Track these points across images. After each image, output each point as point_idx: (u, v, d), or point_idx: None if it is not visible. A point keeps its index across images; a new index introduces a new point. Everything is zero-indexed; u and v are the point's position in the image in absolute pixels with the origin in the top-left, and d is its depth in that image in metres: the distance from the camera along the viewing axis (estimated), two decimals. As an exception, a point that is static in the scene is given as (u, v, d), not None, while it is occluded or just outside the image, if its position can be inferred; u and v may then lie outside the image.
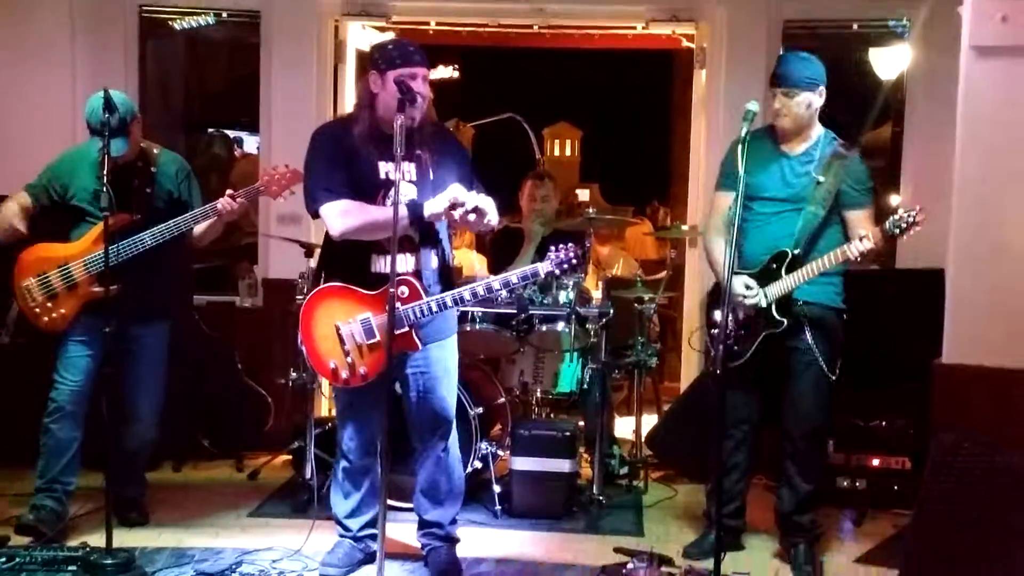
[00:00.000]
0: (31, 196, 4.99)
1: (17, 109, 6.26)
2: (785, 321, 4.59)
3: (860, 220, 4.64)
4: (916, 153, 6.47)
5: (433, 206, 4.27)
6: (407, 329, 4.24)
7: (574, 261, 4.29)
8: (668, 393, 7.39)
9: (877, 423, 5.70)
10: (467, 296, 4.31)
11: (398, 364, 4.33)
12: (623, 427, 6.88)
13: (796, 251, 4.60)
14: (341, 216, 4.29)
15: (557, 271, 4.32)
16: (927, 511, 3.38)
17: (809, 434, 4.75)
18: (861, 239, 4.41)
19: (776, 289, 4.59)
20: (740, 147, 4.24)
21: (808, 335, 4.63)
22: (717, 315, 4.72)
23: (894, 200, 6.62)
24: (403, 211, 4.14)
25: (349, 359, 4.34)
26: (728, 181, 4.80)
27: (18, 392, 5.54)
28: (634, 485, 6.01)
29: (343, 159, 4.35)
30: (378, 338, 4.31)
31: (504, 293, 4.52)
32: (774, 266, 4.61)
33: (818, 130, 4.75)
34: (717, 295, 4.84)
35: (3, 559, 4.41)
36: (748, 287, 4.61)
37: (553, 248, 4.32)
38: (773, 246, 4.63)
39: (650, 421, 6.56)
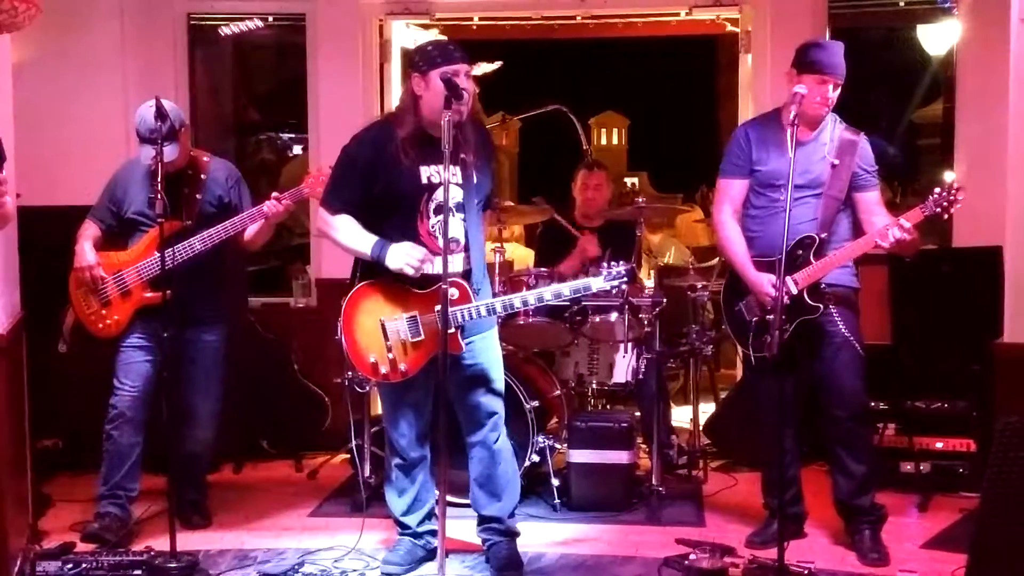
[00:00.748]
0: (97, 221, 5.06)
1: (71, 120, 6.33)
2: (820, 307, 4.57)
3: (872, 202, 4.65)
4: (969, 129, 6.37)
5: (395, 261, 4.27)
6: (453, 331, 4.24)
7: (626, 280, 4.40)
8: (725, 380, 7.35)
9: (939, 405, 5.63)
10: (517, 304, 4.38)
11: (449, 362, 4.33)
12: (680, 416, 6.85)
13: (823, 236, 4.58)
14: (325, 226, 4.51)
15: (609, 287, 4.40)
16: (994, 494, 3.34)
17: (853, 415, 4.71)
18: (900, 222, 4.38)
19: (805, 275, 4.56)
20: (789, 131, 4.21)
21: (836, 317, 4.63)
22: (743, 306, 4.74)
23: (948, 177, 6.53)
24: (367, 248, 4.30)
25: (391, 355, 4.35)
26: (734, 167, 4.77)
27: (80, 400, 5.63)
28: (693, 475, 5.98)
29: (375, 167, 4.36)
30: (423, 337, 4.33)
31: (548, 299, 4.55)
32: (800, 252, 4.57)
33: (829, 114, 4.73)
34: (733, 286, 4.82)
35: (70, 565, 4.48)
36: (774, 285, 4.56)
37: (606, 264, 4.41)
38: (795, 233, 4.55)
39: (707, 409, 6.53)
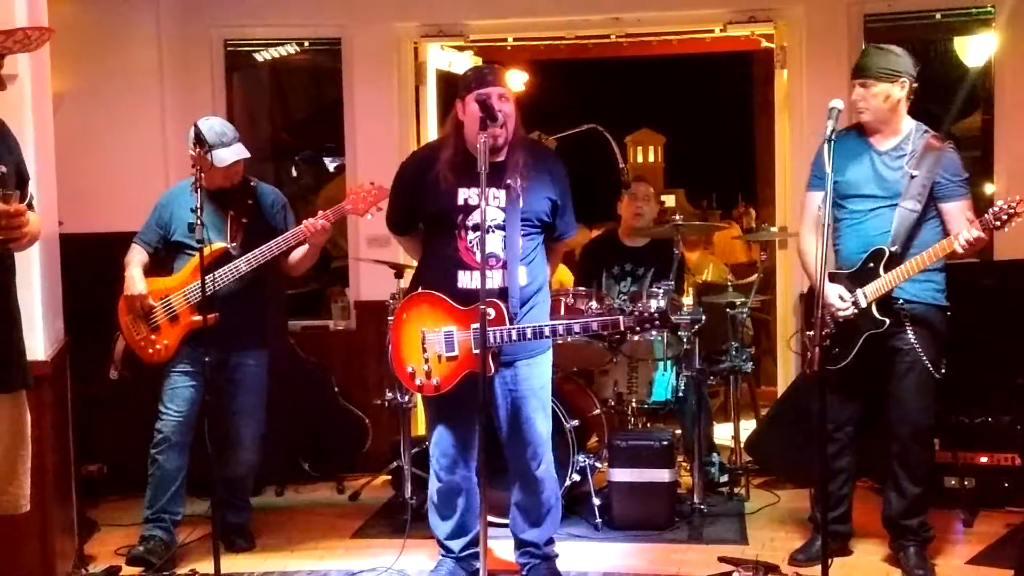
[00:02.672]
0: (145, 246, 5.11)
1: (110, 148, 6.40)
2: (887, 321, 4.50)
3: (958, 212, 4.51)
4: (1009, 141, 6.32)
5: None
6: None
7: (657, 324, 4.45)
8: (765, 398, 7.31)
9: (983, 420, 5.57)
10: (547, 332, 4.38)
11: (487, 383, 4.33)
12: (721, 433, 6.82)
13: (893, 248, 4.51)
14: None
15: (637, 328, 4.50)
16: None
17: (915, 435, 4.65)
18: (964, 231, 4.32)
19: (874, 288, 4.51)
20: (827, 146, 4.18)
21: (911, 334, 4.54)
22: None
23: (988, 189, 6.48)
24: None
25: (427, 367, 4.39)
26: (817, 180, 4.74)
27: (127, 425, 5.68)
28: (736, 492, 5.95)
29: (418, 189, 4.49)
30: (456, 353, 4.36)
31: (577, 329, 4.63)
32: (871, 265, 4.53)
33: (908, 124, 4.66)
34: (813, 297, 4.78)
35: (116, 589, 4.53)
36: (842, 298, 4.54)
37: (640, 306, 4.59)
38: (869, 244, 4.55)
39: (748, 427, 6.49)
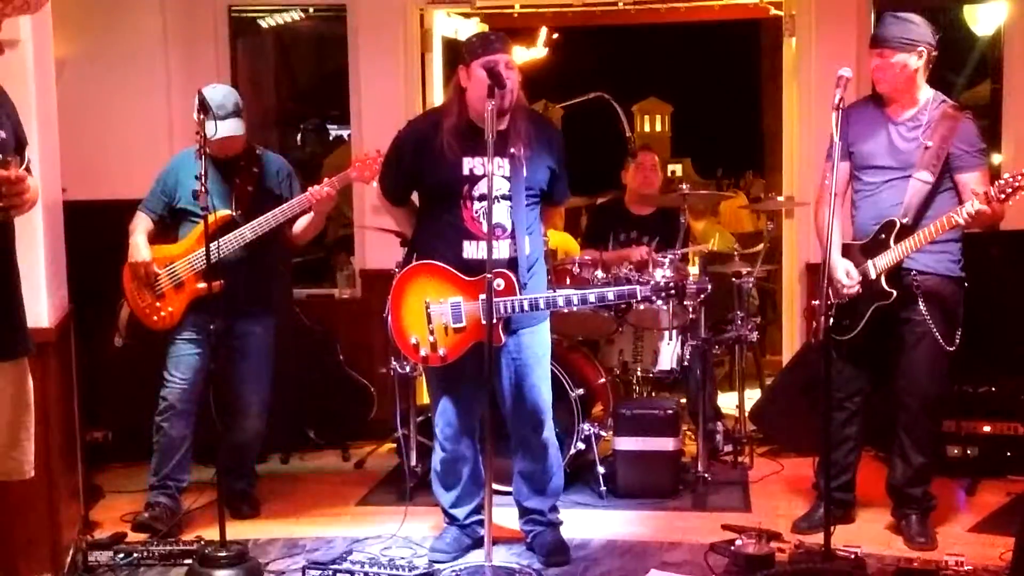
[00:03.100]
0: (150, 213, 5.10)
1: (114, 115, 6.38)
2: (895, 292, 4.49)
3: (974, 183, 4.43)
4: (1016, 110, 6.29)
5: None
6: (495, 321, 4.24)
7: (672, 294, 4.47)
8: (770, 367, 7.31)
9: (986, 389, 5.58)
10: (560, 302, 4.39)
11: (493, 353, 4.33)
12: (726, 402, 6.82)
13: (905, 219, 4.48)
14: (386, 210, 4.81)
15: (654, 297, 4.50)
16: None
17: (924, 406, 4.65)
18: (967, 203, 4.28)
19: (885, 260, 4.49)
20: (834, 114, 4.16)
21: (922, 306, 4.50)
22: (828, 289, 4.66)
23: (996, 159, 6.45)
24: None
25: (432, 338, 4.37)
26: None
27: (129, 392, 5.69)
28: (739, 461, 5.96)
29: (419, 159, 4.44)
30: (464, 324, 4.35)
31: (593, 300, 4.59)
32: (882, 236, 4.51)
33: (926, 93, 4.60)
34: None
35: (121, 555, 4.55)
36: (848, 275, 4.52)
37: (658, 275, 4.59)
38: (882, 216, 4.53)
39: (753, 396, 6.50)
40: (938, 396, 4.72)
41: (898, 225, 4.49)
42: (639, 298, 4.48)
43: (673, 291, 4.44)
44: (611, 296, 4.51)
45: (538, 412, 4.54)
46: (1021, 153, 6.04)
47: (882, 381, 4.74)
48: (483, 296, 4.14)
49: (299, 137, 9.14)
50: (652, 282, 4.44)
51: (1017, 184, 4.15)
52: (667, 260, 5.62)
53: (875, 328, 4.56)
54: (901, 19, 4.55)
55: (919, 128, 4.56)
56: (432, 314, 4.38)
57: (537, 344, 4.52)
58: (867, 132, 4.62)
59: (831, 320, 4.40)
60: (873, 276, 4.51)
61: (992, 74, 6.75)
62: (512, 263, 4.35)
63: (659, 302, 5.52)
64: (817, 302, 4.51)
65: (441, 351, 4.38)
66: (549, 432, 4.62)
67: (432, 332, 4.38)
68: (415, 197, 4.67)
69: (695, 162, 17.32)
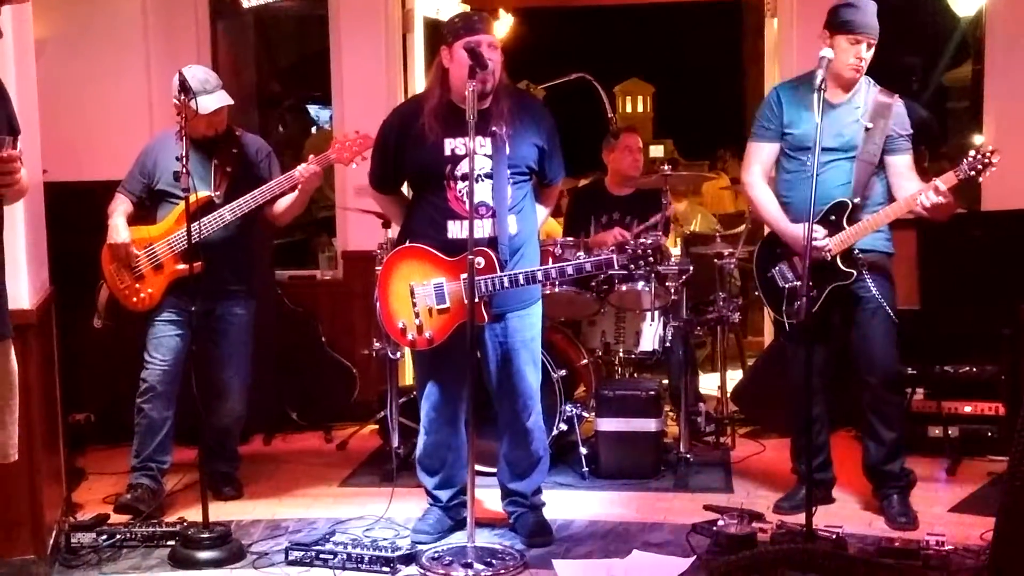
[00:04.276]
0: (129, 195, 5.07)
1: (94, 96, 6.34)
2: (854, 273, 4.55)
3: (903, 166, 4.60)
4: (998, 91, 6.30)
5: None
6: (477, 301, 4.24)
7: (651, 259, 4.40)
8: (752, 348, 7.34)
9: (968, 370, 5.61)
10: (540, 276, 4.39)
11: (477, 334, 4.33)
12: (708, 383, 6.84)
13: (856, 200, 4.55)
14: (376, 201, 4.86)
15: (632, 265, 4.45)
16: (1022, 457, 3.32)
17: (886, 381, 4.70)
18: (928, 193, 4.34)
19: (839, 240, 4.53)
20: (816, 95, 4.17)
21: (870, 282, 4.59)
22: (776, 272, 4.71)
23: (978, 140, 6.47)
24: None
25: (418, 320, 4.38)
26: (764, 131, 4.75)
27: (111, 374, 5.67)
28: (721, 442, 5.98)
29: (402, 144, 4.44)
30: (448, 305, 4.35)
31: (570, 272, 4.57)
32: (832, 217, 4.54)
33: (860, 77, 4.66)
34: (766, 251, 4.80)
35: (104, 536, 4.54)
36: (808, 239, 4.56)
37: (631, 244, 4.45)
38: (829, 197, 4.54)
39: (735, 377, 6.52)
40: (896, 370, 4.79)
41: (850, 206, 4.54)
42: (616, 267, 4.45)
43: (650, 255, 4.37)
44: (588, 267, 4.47)
45: (524, 397, 4.54)
46: (1002, 133, 6.06)
47: (836, 361, 4.79)
48: (465, 276, 4.14)
49: (280, 124, 9.09)
50: (629, 249, 4.39)
51: (987, 160, 4.23)
52: (650, 240, 5.62)
53: (828, 308, 4.60)
54: (873, 7, 4.56)
55: (858, 110, 4.62)
56: (417, 297, 4.37)
57: (525, 328, 4.52)
58: (804, 113, 4.64)
59: (784, 304, 4.58)
60: (827, 258, 4.53)
61: (974, 55, 6.77)
62: (492, 242, 4.34)
63: (640, 283, 5.54)
64: (790, 285, 4.55)
65: (427, 333, 4.38)
66: (536, 417, 4.61)
67: (418, 315, 4.38)
68: (406, 189, 4.67)
69: (677, 143, 17.33)
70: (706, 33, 14.29)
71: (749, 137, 4.87)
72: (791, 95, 4.73)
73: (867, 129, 4.57)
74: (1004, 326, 5.45)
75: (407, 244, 4.45)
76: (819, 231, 4.51)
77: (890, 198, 4.62)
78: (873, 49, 4.55)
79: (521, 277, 4.32)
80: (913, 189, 4.50)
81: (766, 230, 4.94)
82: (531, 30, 10.49)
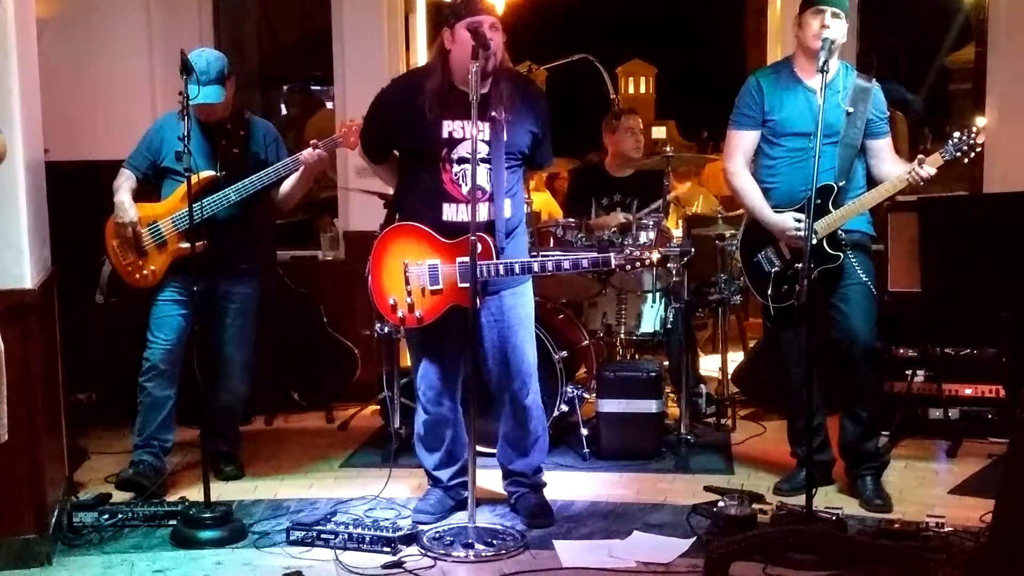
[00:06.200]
0: (134, 171, 5.06)
1: (96, 75, 6.34)
2: (840, 255, 4.57)
3: (882, 149, 4.65)
4: (1001, 74, 6.28)
5: None
6: (468, 285, 4.24)
7: (644, 264, 4.41)
8: (753, 330, 7.32)
9: (968, 352, 5.61)
10: (535, 268, 4.39)
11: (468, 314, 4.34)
12: (709, 365, 6.85)
13: (841, 184, 4.56)
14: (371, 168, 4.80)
15: (628, 266, 4.43)
16: (1022, 439, 3.33)
17: (867, 356, 4.70)
18: (922, 165, 4.38)
19: (826, 224, 4.54)
20: (820, 76, 4.17)
21: (853, 261, 4.62)
22: (762, 257, 4.73)
23: (980, 122, 6.45)
24: None
25: (409, 299, 4.38)
26: (745, 119, 4.75)
27: (115, 352, 5.68)
28: (722, 423, 6.00)
29: (399, 119, 4.41)
30: (441, 286, 4.36)
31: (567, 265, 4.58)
32: (819, 201, 4.53)
33: (836, 61, 4.65)
34: (749, 237, 4.81)
35: (106, 516, 4.56)
36: (797, 220, 4.56)
37: (629, 245, 4.53)
38: (811, 181, 4.54)
39: (736, 358, 6.52)
40: (875, 347, 4.80)
41: (836, 189, 4.55)
42: (613, 266, 4.46)
43: (647, 263, 4.40)
44: (585, 263, 4.51)
45: (522, 375, 4.54)
46: (1005, 115, 6.05)
47: (829, 342, 4.80)
48: (461, 259, 4.14)
49: (283, 104, 9.07)
50: (628, 250, 4.41)
51: (972, 141, 4.29)
52: (651, 223, 5.63)
53: (815, 292, 4.61)
54: None
55: (838, 95, 4.61)
56: (410, 275, 4.38)
57: (520, 305, 4.52)
58: (786, 99, 4.65)
59: (770, 288, 4.64)
60: (814, 241, 4.52)
61: (976, 37, 6.74)
62: (489, 226, 4.35)
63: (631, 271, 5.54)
64: (776, 269, 4.56)
65: (418, 312, 4.39)
66: (534, 395, 4.62)
67: (410, 293, 4.38)
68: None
69: (679, 124, 17.30)
70: (709, 14, 14.26)
71: (729, 125, 4.86)
72: (770, 81, 4.73)
73: (848, 113, 4.58)
74: (1004, 308, 5.45)
75: (402, 223, 4.45)
76: (801, 223, 4.50)
77: (870, 180, 4.64)
78: (842, 20, 4.52)
79: (517, 267, 4.32)
80: (893, 170, 4.54)
81: (746, 217, 4.94)
82: (533, 10, 10.45)
